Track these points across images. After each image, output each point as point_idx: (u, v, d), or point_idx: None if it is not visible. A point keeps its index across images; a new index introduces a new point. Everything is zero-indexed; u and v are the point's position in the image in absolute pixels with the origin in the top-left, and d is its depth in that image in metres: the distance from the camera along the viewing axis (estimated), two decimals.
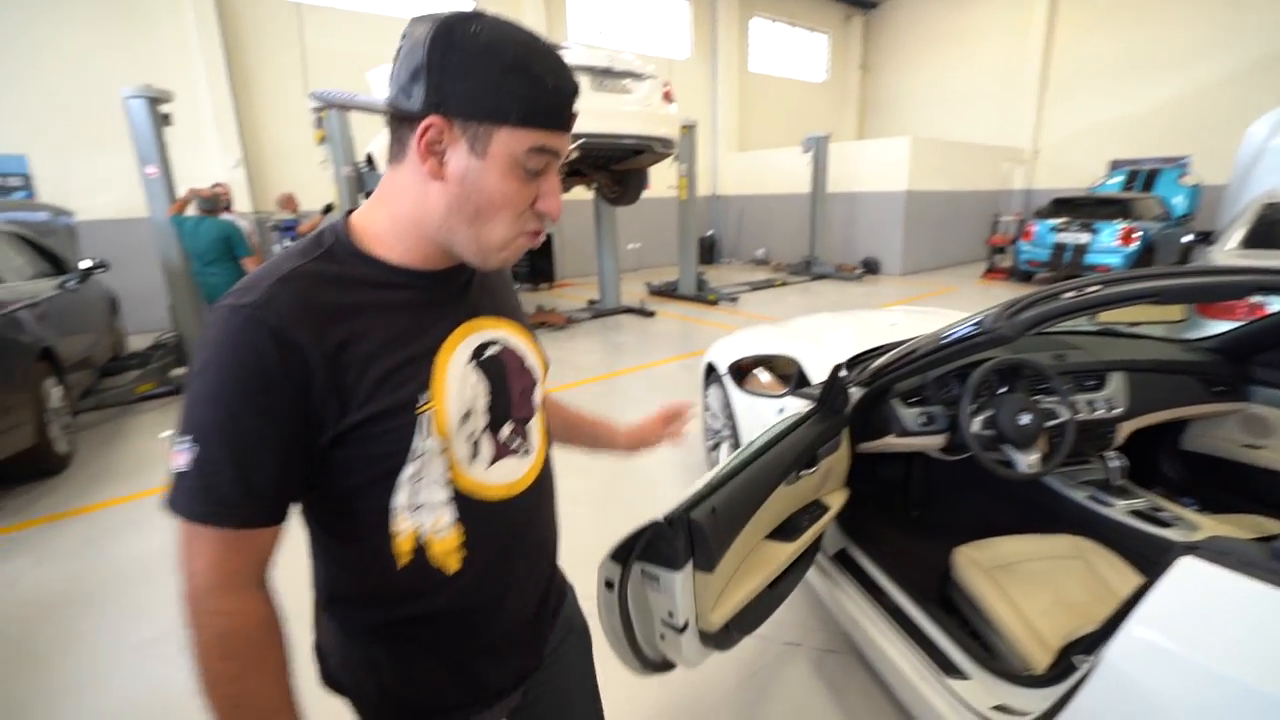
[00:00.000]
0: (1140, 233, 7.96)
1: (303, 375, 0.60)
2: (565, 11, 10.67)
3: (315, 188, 7.22)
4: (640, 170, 5.81)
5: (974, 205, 11.78)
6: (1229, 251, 3.46)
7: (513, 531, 0.80)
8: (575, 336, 6.67)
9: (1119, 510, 1.78)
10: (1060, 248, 8.57)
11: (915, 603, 1.63)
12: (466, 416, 0.71)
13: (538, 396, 0.85)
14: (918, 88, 14.84)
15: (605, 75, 4.64)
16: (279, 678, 0.65)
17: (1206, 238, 4.58)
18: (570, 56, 4.49)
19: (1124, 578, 1.56)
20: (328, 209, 6.08)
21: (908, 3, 14.66)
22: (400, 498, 0.68)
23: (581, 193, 7.08)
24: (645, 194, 6.40)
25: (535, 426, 0.84)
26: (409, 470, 0.68)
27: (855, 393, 1.86)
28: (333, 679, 0.82)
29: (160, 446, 4.02)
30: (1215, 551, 0.87)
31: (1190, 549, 0.90)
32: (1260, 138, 5.27)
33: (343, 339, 0.63)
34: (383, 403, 0.64)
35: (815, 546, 1.68)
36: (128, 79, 5.20)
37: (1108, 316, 2.08)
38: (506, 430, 0.77)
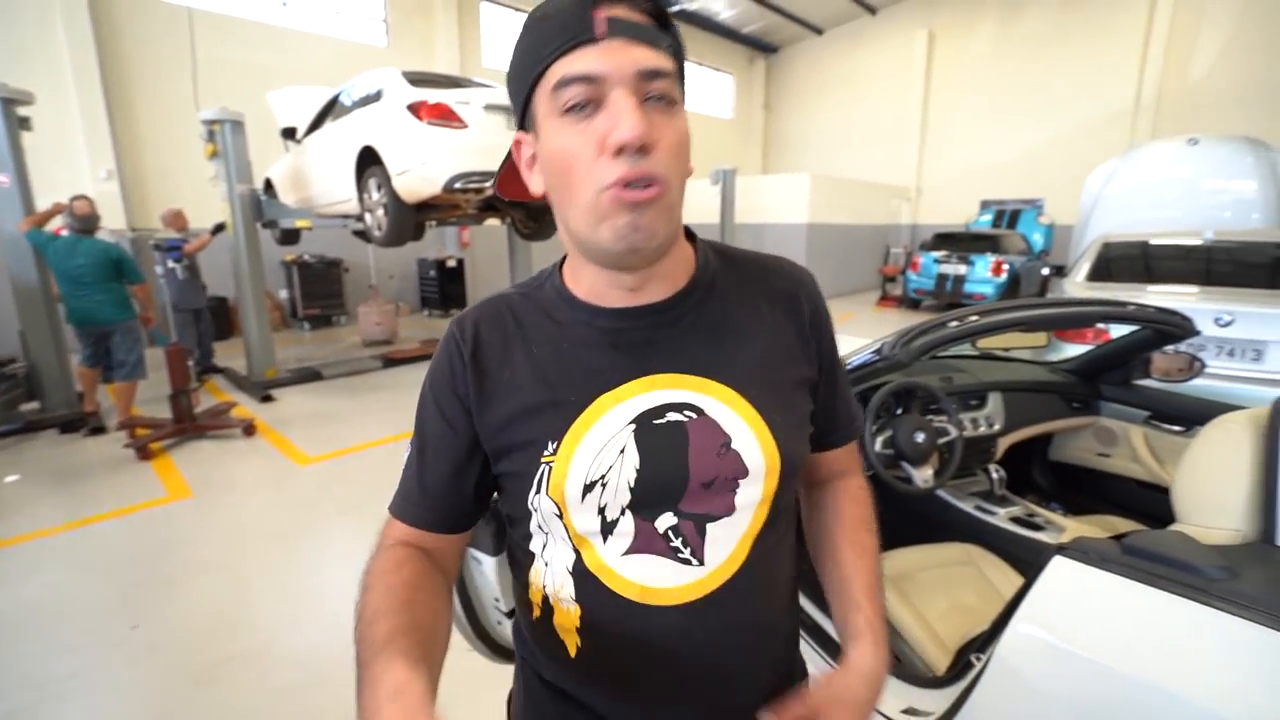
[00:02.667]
0: (1008, 265, 8.88)
1: (469, 391, 0.63)
2: (480, 46, 10.64)
3: (205, 205, 6.70)
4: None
5: (868, 238, 12.72)
6: (1078, 284, 3.94)
7: (653, 653, 0.61)
8: None
9: (1001, 518, 1.96)
10: (943, 278, 9.41)
11: (821, 611, 1.70)
12: (592, 486, 0.59)
13: (746, 497, 0.62)
14: (816, 128, 15.92)
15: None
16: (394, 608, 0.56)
17: (1060, 271, 5.18)
18: (490, 96, 4.44)
19: (1008, 579, 1.72)
20: (218, 228, 5.60)
21: (804, 49, 15.78)
22: (536, 543, 0.65)
23: (494, 222, 7.01)
24: None
25: (728, 535, 0.62)
26: (535, 520, 0.63)
27: None
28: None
29: (7, 490, 3.53)
30: (1079, 551, 0.98)
31: (1060, 550, 1.01)
32: (1096, 188, 6.09)
33: (499, 366, 0.63)
34: (511, 439, 0.62)
35: None
36: None
37: (986, 343, 2.31)
38: (665, 521, 0.60)
